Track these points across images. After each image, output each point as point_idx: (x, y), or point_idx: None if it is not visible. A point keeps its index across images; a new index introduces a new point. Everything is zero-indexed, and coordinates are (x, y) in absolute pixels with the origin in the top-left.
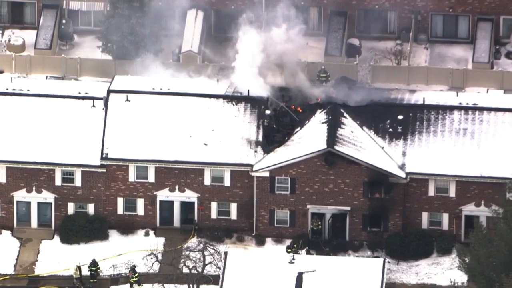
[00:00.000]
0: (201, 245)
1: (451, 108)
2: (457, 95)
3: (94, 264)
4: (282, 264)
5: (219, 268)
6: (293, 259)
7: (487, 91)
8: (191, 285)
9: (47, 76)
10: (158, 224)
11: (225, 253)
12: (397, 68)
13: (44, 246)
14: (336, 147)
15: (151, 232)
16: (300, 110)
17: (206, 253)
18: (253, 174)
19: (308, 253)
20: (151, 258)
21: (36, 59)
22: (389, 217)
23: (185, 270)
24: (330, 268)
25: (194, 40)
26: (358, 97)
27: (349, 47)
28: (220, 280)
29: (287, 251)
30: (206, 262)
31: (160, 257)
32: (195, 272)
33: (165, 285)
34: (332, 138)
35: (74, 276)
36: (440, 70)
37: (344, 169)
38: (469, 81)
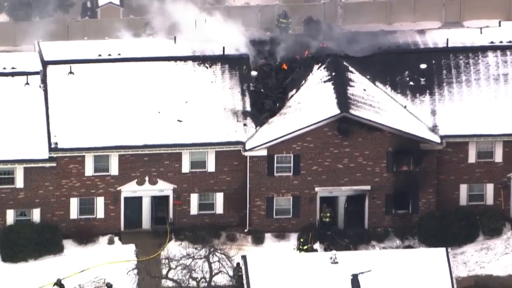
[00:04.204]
0: (206, 250)
1: (484, 49)
2: (481, 32)
3: (60, 285)
4: (320, 266)
5: (232, 277)
6: (336, 258)
7: (500, 24)
8: None
9: None
10: (122, 228)
11: (244, 257)
12: (376, 4)
13: None
14: (352, 111)
15: (116, 239)
16: (286, 68)
17: (212, 259)
18: (246, 154)
19: (328, 248)
20: (137, 272)
21: None
22: (420, 195)
23: (192, 284)
24: (382, 265)
25: None
26: (356, 46)
27: None
28: None
29: (300, 249)
30: (214, 272)
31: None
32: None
33: None
34: (344, 99)
35: None
36: (430, 2)
37: (363, 138)
38: (468, 14)
